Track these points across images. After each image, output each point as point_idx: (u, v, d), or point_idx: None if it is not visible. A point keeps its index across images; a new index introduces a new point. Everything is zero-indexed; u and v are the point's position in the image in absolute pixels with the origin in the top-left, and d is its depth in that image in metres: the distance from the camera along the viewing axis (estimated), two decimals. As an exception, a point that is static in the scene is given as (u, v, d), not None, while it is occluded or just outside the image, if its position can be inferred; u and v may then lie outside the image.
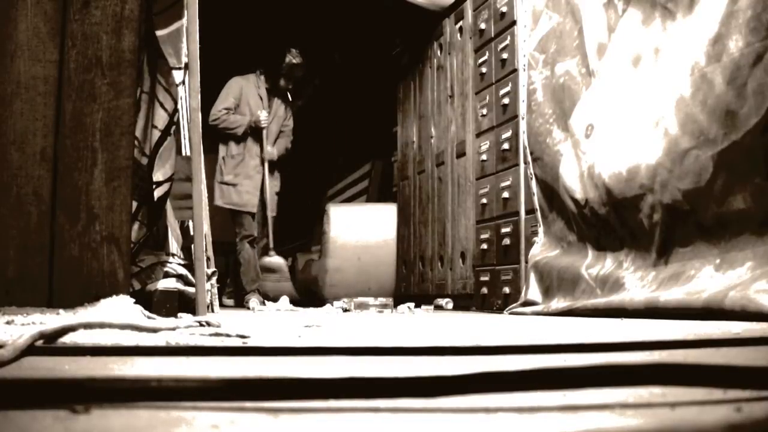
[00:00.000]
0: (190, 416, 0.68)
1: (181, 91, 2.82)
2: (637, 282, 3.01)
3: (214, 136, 6.11)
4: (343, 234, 6.12)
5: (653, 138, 2.93)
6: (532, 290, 3.73)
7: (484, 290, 4.39)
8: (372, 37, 7.16)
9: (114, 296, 2.25)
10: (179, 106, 2.82)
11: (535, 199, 3.88)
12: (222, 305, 5.07)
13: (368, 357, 1.29)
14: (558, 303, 3.48)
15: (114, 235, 2.40)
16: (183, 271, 2.68)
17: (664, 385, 0.83)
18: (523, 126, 4.02)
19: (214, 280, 3.29)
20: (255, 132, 6.16)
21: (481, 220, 4.52)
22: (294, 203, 7.16)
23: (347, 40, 7.85)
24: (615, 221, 3.21)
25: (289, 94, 6.39)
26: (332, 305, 4.88)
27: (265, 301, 5.60)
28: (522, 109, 4.05)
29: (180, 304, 2.52)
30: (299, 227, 8.60)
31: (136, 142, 2.57)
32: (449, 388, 0.79)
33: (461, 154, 4.97)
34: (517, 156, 4.10)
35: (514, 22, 4.20)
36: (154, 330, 1.63)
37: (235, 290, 6.27)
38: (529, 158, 3.92)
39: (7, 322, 1.80)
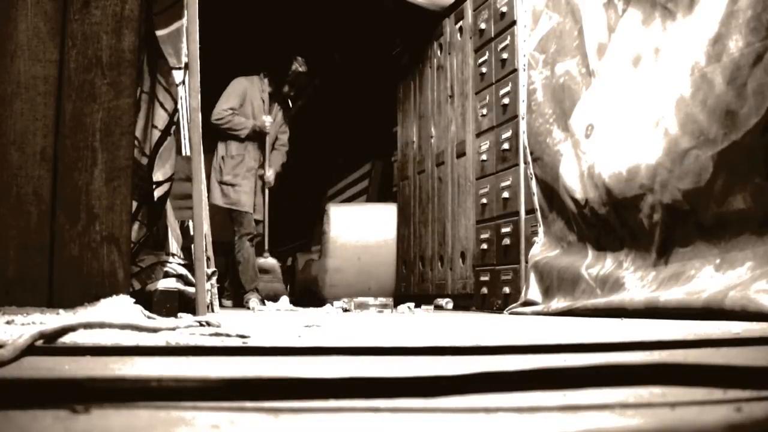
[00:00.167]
0: (190, 416, 0.68)
1: (181, 91, 2.82)
2: (637, 282, 3.01)
3: (215, 136, 6.12)
4: (343, 234, 6.13)
5: (653, 138, 2.93)
6: (532, 290, 3.73)
7: (484, 290, 4.38)
8: (372, 37, 7.16)
9: (114, 296, 2.25)
10: (179, 106, 2.82)
11: (535, 199, 3.88)
12: (221, 306, 5.07)
13: (368, 357, 1.29)
14: (558, 303, 3.48)
15: (114, 235, 2.40)
16: (183, 271, 2.68)
17: (664, 385, 0.83)
18: (523, 126, 4.02)
19: (214, 280, 3.30)
20: (257, 136, 6.18)
21: (481, 220, 4.52)
22: (294, 203, 7.16)
23: (347, 40, 7.85)
24: (615, 221, 3.21)
25: (289, 101, 6.42)
26: (332, 305, 4.88)
27: (265, 301, 5.60)
28: (522, 109, 4.05)
29: (180, 304, 2.52)
30: (299, 227, 8.60)
31: (136, 142, 2.57)
32: (449, 388, 0.79)
33: (461, 154, 4.97)
34: (517, 156, 4.10)
35: (514, 22, 4.20)
36: (154, 330, 1.63)
37: (232, 291, 6.28)
38: (529, 158, 3.92)
39: (7, 322, 1.80)
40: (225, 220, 6.14)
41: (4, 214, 2.35)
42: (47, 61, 2.42)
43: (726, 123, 2.56)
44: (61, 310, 2.16)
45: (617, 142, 3.17)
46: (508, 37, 4.26)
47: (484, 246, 4.43)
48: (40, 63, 2.41)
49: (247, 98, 6.18)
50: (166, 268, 2.63)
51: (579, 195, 3.42)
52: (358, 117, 8.29)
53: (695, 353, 1.33)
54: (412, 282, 5.78)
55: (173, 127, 2.77)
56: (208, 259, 2.97)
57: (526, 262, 3.90)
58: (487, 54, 4.53)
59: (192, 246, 2.87)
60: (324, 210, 6.43)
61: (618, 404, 0.75)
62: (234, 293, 6.22)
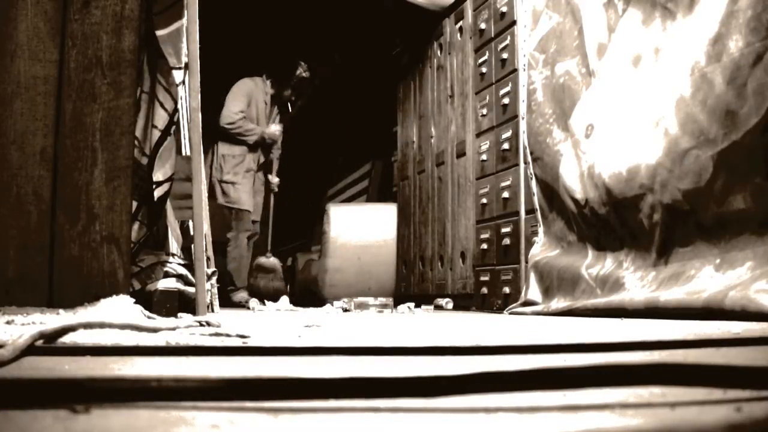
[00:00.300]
0: (190, 416, 0.68)
1: (181, 91, 2.82)
2: (637, 282, 3.01)
3: (213, 135, 6.14)
4: (343, 234, 6.13)
5: (653, 138, 2.93)
6: (532, 290, 3.73)
7: (484, 290, 4.39)
8: (372, 37, 7.16)
9: (114, 296, 2.25)
10: (179, 106, 2.82)
11: (535, 199, 3.88)
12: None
13: (368, 357, 1.29)
14: (558, 303, 3.48)
15: (114, 235, 2.40)
16: (183, 271, 2.68)
17: (664, 385, 0.83)
18: (523, 126, 4.02)
19: (214, 280, 3.29)
20: (263, 145, 6.23)
21: (481, 220, 4.52)
22: (294, 203, 7.17)
23: (347, 40, 7.85)
24: (615, 221, 3.21)
25: (290, 105, 6.45)
26: (332, 305, 4.88)
27: (265, 301, 5.61)
28: (522, 109, 4.05)
29: (180, 304, 2.52)
30: (299, 227, 8.60)
31: (136, 142, 2.57)
32: (449, 388, 0.79)
33: (461, 154, 4.98)
34: (517, 156, 4.10)
35: (514, 22, 4.20)
36: (154, 330, 1.63)
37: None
38: (529, 158, 3.92)
39: (7, 322, 1.80)
40: (225, 219, 6.17)
41: (4, 214, 2.35)
42: (47, 61, 2.42)
43: (726, 123, 2.56)
44: (61, 310, 2.16)
45: (617, 142, 3.17)
46: (508, 37, 4.26)
47: (484, 246, 4.43)
48: (40, 63, 2.41)
49: (253, 100, 6.21)
50: (166, 268, 2.63)
51: (579, 195, 3.42)
52: (358, 117, 8.29)
53: (695, 353, 1.33)
54: (412, 282, 5.78)
55: (173, 127, 2.77)
56: (208, 259, 2.97)
57: (526, 262, 3.90)
58: (487, 54, 4.53)
59: (192, 246, 2.87)
60: (324, 210, 6.44)
61: (618, 404, 0.75)
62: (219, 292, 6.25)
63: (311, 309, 4.82)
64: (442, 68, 5.36)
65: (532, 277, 3.76)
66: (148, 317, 2.08)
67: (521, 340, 1.69)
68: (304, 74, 6.31)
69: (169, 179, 2.72)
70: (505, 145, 4.22)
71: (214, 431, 0.62)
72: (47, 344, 1.30)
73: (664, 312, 2.70)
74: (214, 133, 6.16)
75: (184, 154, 3.16)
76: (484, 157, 4.50)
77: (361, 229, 6.19)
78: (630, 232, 3.14)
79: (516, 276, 4.05)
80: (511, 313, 3.80)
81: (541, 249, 3.78)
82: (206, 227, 3.24)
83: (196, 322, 1.87)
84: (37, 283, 2.34)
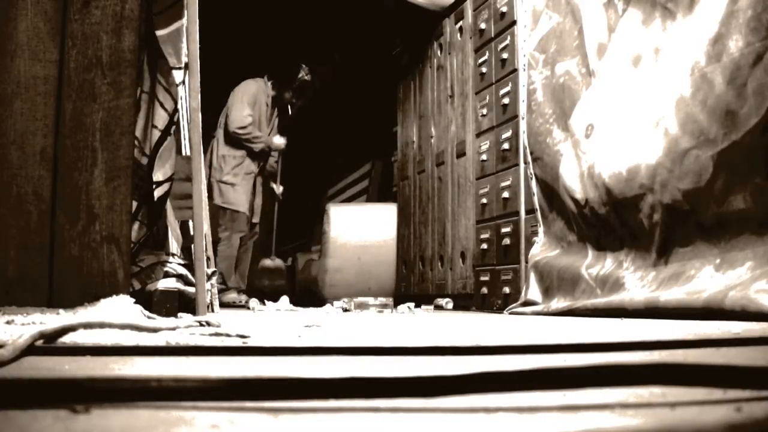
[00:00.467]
0: (190, 416, 0.68)
1: (181, 91, 2.82)
2: (637, 282, 3.01)
3: (212, 134, 6.15)
4: (343, 234, 6.13)
5: (653, 138, 2.93)
6: (532, 290, 3.73)
7: (484, 290, 4.39)
8: (372, 37, 7.16)
9: (114, 296, 2.25)
10: (179, 106, 2.82)
11: (535, 199, 3.88)
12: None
13: (368, 357, 1.29)
14: (558, 303, 3.48)
15: (114, 235, 2.40)
16: (183, 271, 2.68)
17: (664, 385, 0.83)
18: (523, 126, 4.02)
19: (214, 279, 3.29)
20: (264, 153, 6.26)
21: (481, 220, 4.52)
22: (294, 203, 7.19)
23: (347, 40, 7.85)
24: (615, 221, 3.21)
25: (290, 107, 6.47)
26: (332, 305, 4.88)
27: (265, 301, 5.61)
28: (522, 109, 4.05)
29: (180, 304, 2.52)
30: (299, 227, 8.60)
31: (136, 142, 2.57)
32: (449, 388, 0.79)
33: (461, 154, 4.98)
34: (517, 156, 4.10)
35: (514, 22, 4.20)
36: (154, 330, 1.63)
37: None
38: (529, 158, 3.92)
39: (7, 322, 1.80)
40: (216, 219, 6.21)
41: (4, 214, 2.35)
42: (47, 61, 2.42)
43: (726, 123, 2.56)
44: (61, 310, 2.16)
45: (617, 142, 3.17)
46: (508, 37, 4.26)
47: (484, 246, 4.43)
48: (40, 63, 2.41)
49: (257, 102, 6.22)
50: (166, 268, 2.63)
51: (579, 195, 3.42)
52: (358, 117, 8.29)
53: (695, 353, 1.33)
54: (412, 282, 5.78)
55: (173, 127, 2.77)
56: (208, 259, 2.97)
57: (526, 262, 3.90)
58: (487, 54, 4.53)
59: (192, 246, 2.87)
60: (324, 210, 6.45)
61: (618, 404, 0.75)
62: None
63: (311, 309, 4.82)
64: (442, 68, 5.36)
65: (532, 277, 3.76)
66: (148, 317, 2.08)
67: (521, 340, 1.69)
68: (306, 77, 6.33)
69: (169, 179, 2.72)
70: (505, 145, 4.22)
71: (214, 431, 0.62)
72: (47, 344, 1.30)
73: (664, 312, 2.70)
74: (212, 132, 6.18)
75: (184, 154, 3.16)
76: (484, 157, 4.50)
77: (361, 229, 6.19)
78: (630, 232, 3.14)
79: (516, 276, 4.05)
80: (511, 313, 3.80)
81: (541, 249, 3.78)
82: (206, 227, 3.24)
83: (196, 322, 1.87)
84: (37, 283, 2.34)
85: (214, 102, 6.04)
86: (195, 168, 2.61)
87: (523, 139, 4.01)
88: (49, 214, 2.38)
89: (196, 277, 2.50)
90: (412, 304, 4.74)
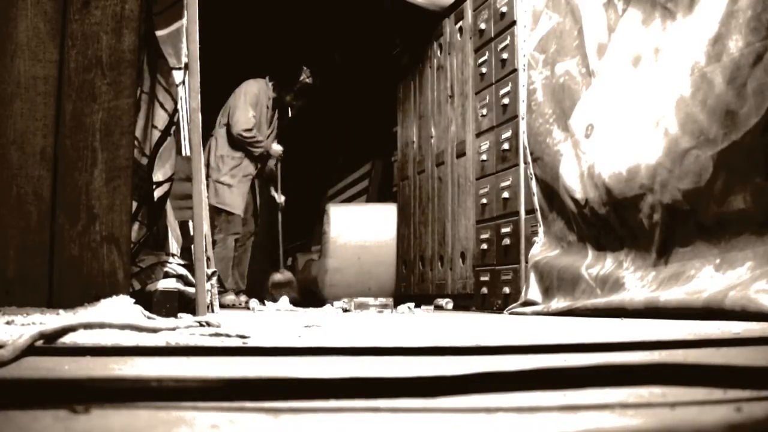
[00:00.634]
0: (190, 416, 0.68)
1: (181, 92, 2.82)
2: (637, 282, 3.01)
3: (211, 134, 6.15)
4: (343, 234, 6.13)
5: (653, 138, 2.93)
6: (532, 290, 3.73)
7: (484, 290, 4.38)
8: (372, 37, 7.16)
9: (114, 296, 2.25)
10: (179, 107, 2.82)
11: (535, 199, 3.88)
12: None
13: (368, 357, 1.29)
14: (558, 303, 3.48)
15: (114, 235, 2.40)
16: (183, 271, 2.68)
17: (664, 385, 0.83)
18: (523, 126, 4.02)
19: (214, 280, 3.29)
20: (262, 156, 6.27)
21: (481, 220, 4.52)
22: (294, 203, 7.19)
23: (347, 40, 7.85)
24: (615, 221, 3.21)
25: (290, 110, 6.47)
26: (332, 305, 4.87)
27: (265, 302, 5.61)
28: (522, 109, 4.05)
29: (180, 304, 2.52)
30: (299, 227, 8.60)
31: (136, 143, 2.57)
32: (449, 388, 0.79)
33: (461, 154, 4.98)
34: (517, 156, 4.10)
35: (514, 22, 4.20)
36: (154, 330, 1.63)
37: None
38: (529, 158, 3.92)
39: (7, 322, 1.80)
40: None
41: (4, 214, 2.35)
42: (47, 61, 2.42)
43: (726, 123, 2.56)
44: (61, 311, 2.16)
45: (617, 142, 3.17)
46: (508, 37, 4.26)
47: (484, 246, 4.43)
48: (40, 63, 2.41)
49: (258, 103, 6.22)
50: (166, 269, 2.63)
51: (579, 195, 3.42)
52: (358, 117, 8.29)
53: (695, 353, 1.33)
54: (412, 282, 5.78)
55: (173, 128, 2.77)
56: (208, 259, 2.97)
57: (526, 262, 3.90)
58: (487, 54, 4.53)
59: (192, 246, 2.87)
60: (324, 210, 6.45)
61: (618, 404, 0.75)
62: None
63: (311, 309, 4.82)
64: (442, 68, 5.36)
65: (532, 277, 3.76)
66: (148, 317, 2.08)
67: (521, 340, 1.69)
68: (307, 80, 6.33)
69: (169, 179, 2.72)
70: (505, 145, 4.22)
71: (214, 431, 0.62)
72: (47, 344, 1.30)
73: (664, 312, 2.70)
74: (213, 132, 6.17)
75: (184, 154, 3.16)
76: (484, 157, 4.50)
77: (361, 229, 6.19)
78: (630, 232, 3.14)
79: (516, 276, 4.05)
80: (511, 313, 3.80)
81: (541, 249, 3.78)
82: (206, 227, 3.24)
83: (196, 323, 1.87)
84: (37, 283, 2.34)
85: (214, 102, 6.03)
86: (195, 168, 2.61)
87: (523, 139, 4.01)
88: (49, 214, 2.38)
89: (196, 278, 2.50)
90: (412, 305, 4.74)
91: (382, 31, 6.70)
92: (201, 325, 1.84)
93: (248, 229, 6.47)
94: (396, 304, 4.83)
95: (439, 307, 4.90)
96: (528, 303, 3.73)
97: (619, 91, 3.21)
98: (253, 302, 5.24)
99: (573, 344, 1.42)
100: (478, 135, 4.61)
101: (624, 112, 3.15)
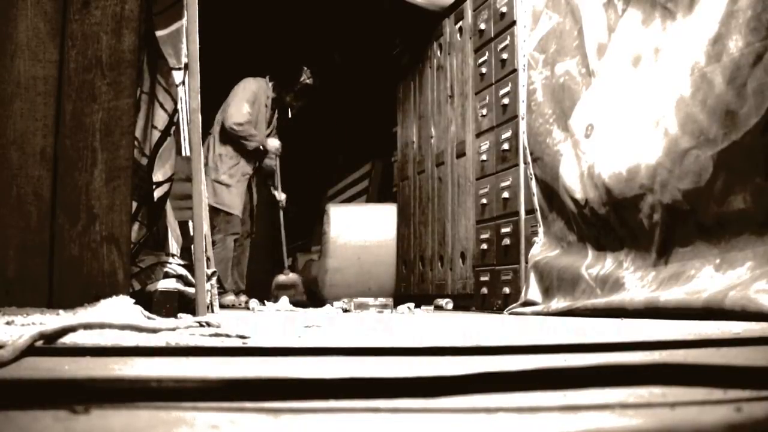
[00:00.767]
0: (190, 416, 0.68)
1: (181, 92, 2.82)
2: (637, 282, 3.01)
3: (210, 133, 6.13)
4: (343, 234, 6.13)
5: (653, 138, 2.93)
6: (532, 290, 3.73)
7: (484, 290, 4.38)
8: (372, 37, 7.16)
9: (114, 297, 2.25)
10: (179, 107, 2.82)
11: (535, 199, 3.88)
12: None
13: (368, 357, 1.29)
14: (558, 303, 3.48)
15: (114, 235, 2.40)
16: (183, 271, 2.68)
17: (664, 385, 0.83)
18: (523, 126, 4.02)
19: (214, 280, 3.29)
20: (257, 153, 6.24)
21: (481, 220, 4.52)
22: (294, 203, 7.19)
23: (347, 40, 7.85)
24: (615, 221, 3.21)
25: (290, 110, 6.45)
26: (332, 305, 4.88)
27: (265, 302, 5.61)
28: (522, 109, 4.05)
29: (180, 304, 2.52)
30: (299, 227, 8.60)
31: (136, 143, 2.57)
32: (449, 388, 0.79)
33: (461, 154, 4.98)
34: (517, 156, 4.10)
35: (513, 22, 4.20)
36: (154, 330, 1.63)
37: None
38: (529, 158, 3.92)
39: (7, 323, 1.80)
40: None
41: (4, 214, 2.35)
42: (47, 61, 2.42)
43: (726, 123, 2.56)
44: (61, 311, 2.16)
45: (617, 142, 3.17)
46: (508, 37, 4.26)
47: (484, 246, 4.43)
48: (40, 63, 2.41)
49: (257, 102, 6.20)
50: (166, 269, 2.63)
51: (579, 195, 3.42)
52: (358, 117, 8.29)
53: (695, 353, 1.33)
54: (412, 282, 5.78)
55: (173, 128, 2.77)
56: (207, 259, 2.97)
57: (526, 262, 3.90)
58: (487, 54, 4.53)
59: (192, 246, 2.87)
60: (324, 210, 6.45)
61: (618, 404, 0.75)
62: None
63: (311, 309, 4.82)
64: (442, 68, 5.36)
65: (532, 277, 3.76)
66: (148, 318, 2.08)
67: (521, 340, 1.69)
68: (308, 80, 6.32)
69: (169, 180, 2.72)
70: (505, 145, 4.22)
71: (214, 431, 0.62)
72: (47, 345, 1.30)
73: (664, 312, 2.70)
74: (211, 130, 6.16)
75: (183, 154, 3.16)
76: (484, 157, 4.50)
77: (361, 230, 6.19)
78: (630, 232, 3.14)
79: (516, 276, 4.05)
80: (511, 313, 3.80)
81: (541, 249, 3.78)
82: (206, 227, 3.24)
83: (196, 323, 1.87)
84: (37, 284, 2.34)
85: (213, 102, 6.03)
86: (195, 168, 2.61)
87: (523, 139, 4.01)
88: (49, 215, 2.38)
89: (196, 278, 2.50)
90: (412, 305, 4.74)
91: (382, 31, 6.70)
92: (201, 326, 1.84)
93: (245, 228, 6.46)
94: (396, 305, 4.83)
95: (439, 308, 4.90)
96: (528, 303, 3.73)
97: (619, 91, 3.21)
98: (253, 302, 5.24)
99: (573, 344, 1.42)
100: (478, 135, 4.61)
101: (624, 112, 3.15)
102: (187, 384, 0.75)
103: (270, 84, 6.31)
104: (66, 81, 2.42)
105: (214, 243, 6.07)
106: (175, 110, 2.76)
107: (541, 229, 3.84)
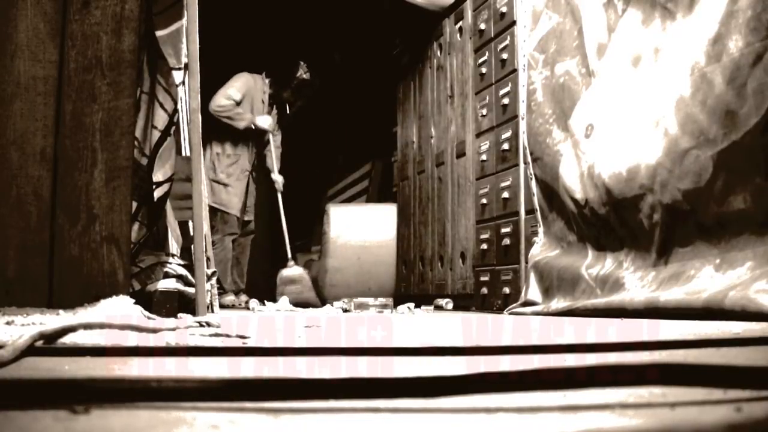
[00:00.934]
0: (190, 416, 0.68)
1: (181, 92, 2.82)
2: (637, 282, 3.01)
3: (208, 132, 6.10)
4: (343, 234, 6.13)
5: (653, 138, 2.93)
6: (532, 290, 3.73)
7: (484, 290, 4.38)
8: (372, 37, 7.16)
9: (114, 297, 2.25)
10: (179, 107, 2.82)
11: (535, 199, 3.88)
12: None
13: (368, 357, 1.29)
14: (558, 303, 3.48)
15: (114, 235, 2.40)
16: (183, 271, 2.68)
17: (664, 385, 0.83)
18: (523, 126, 4.02)
19: (214, 280, 3.29)
20: (253, 135, 6.16)
21: (481, 220, 4.52)
22: (294, 203, 7.18)
23: (347, 40, 7.85)
24: (615, 221, 3.21)
25: (288, 107, 6.40)
26: (332, 305, 4.88)
27: (265, 302, 5.61)
28: (522, 109, 4.05)
29: (180, 304, 2.52)
30: (299, 227, 8.60)
31: (136, 143, 2.57)
32: (449, 388, 0.79)
33: (461, 154, 4.97)
34: (517, 156, 4.10)
35: (513, 22, 4.20)
36: (154, 330, 1.63)
37: None
38: (529, 158, 3.92)
39: (7, 323, 1.80)
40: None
41: (4, 214, 2.35)
42: (47, 61, 2.42)
43: (726, 123, 2.56)
44: (61, 311, 2.16)
45: (617, 142, 3.17)
46: (508, 38, 4.26)
47: (484, 246, 4.43)
48: (39, 63, 2.41)
49: (248, 94, 6.14)
50: (166, 269, 2.63)
51: (579, 195, 3.42)
52: (358, 117, 8.29)
53: (695, 353, 1.33)
54: (412, 282, 5.78)
55: (173, 128, 2.77)
56: (208, 259, 2.97)
57: (526, 262, 3.90)
58: (487, 54, 4.53)
59: (192, 246, 2.87)
60: (324, 210, 6.44)
61: (618, 404, 0.75)
62: None
63: (311, 309, 4.82)
64: (442, 68, 5.36)
65: (532, 277, 3.76)
66: (148, 318, 2.08)
67: (521, 340, 1.69)
68: (304, 75, 6.28)
69: (169, 180, 2.72)
70: (505, 145, 4.22)
71: (214, 431, 0.62)
72: (47, 345, 1.30)
73: (664, 312, 2.70)
74: (208, 130, 6.13)
75: (183, 154, 3.16)
76: (484, 157, 4.50)
77: (361, 229, 6.18)
78: (630, 232, 3.14)
79: (516, 276, 4.05)
80: (511, 313, 3.80)
81: (541, 249, 3.78)
82: (206, 227, 3.24)
83: (196, 323, 1.88)
84: (37, 284, 2.34)
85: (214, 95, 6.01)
86: (195, 168, 2.61)
87: (523, 139, 4.00)
88: (49, 215, 2.38)
89: (196, 278, 2.50)
90: (412, 305, 4.74)
91: (382, 31, 6.70)
92: (201, 326, 1.85)
93: (248, 228, 6.44)
94: (396, 305, 4.83)
95: (439, 308, 4.90)
96: (528, 303, 3.73)
97: (619, 91, 3.21)
98: (253, 302, 5.24)
99: (573, 344, 1.42)
100: (478, 135, 4.61)
101: (624, 112, 3.15)
102: (187, 384, 0.75)
103: (267, 80, 6.28)
104: (66, 81, 2.42)
105: (213, 243, 6.06)
106: (175, 110, 2.76)
107: (541, 229, 3.84)
